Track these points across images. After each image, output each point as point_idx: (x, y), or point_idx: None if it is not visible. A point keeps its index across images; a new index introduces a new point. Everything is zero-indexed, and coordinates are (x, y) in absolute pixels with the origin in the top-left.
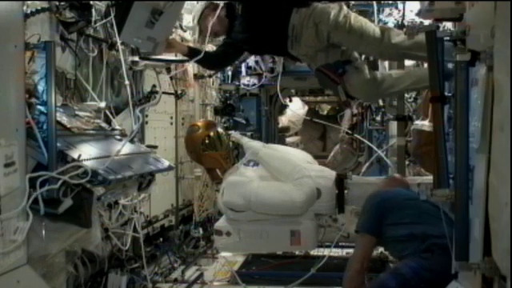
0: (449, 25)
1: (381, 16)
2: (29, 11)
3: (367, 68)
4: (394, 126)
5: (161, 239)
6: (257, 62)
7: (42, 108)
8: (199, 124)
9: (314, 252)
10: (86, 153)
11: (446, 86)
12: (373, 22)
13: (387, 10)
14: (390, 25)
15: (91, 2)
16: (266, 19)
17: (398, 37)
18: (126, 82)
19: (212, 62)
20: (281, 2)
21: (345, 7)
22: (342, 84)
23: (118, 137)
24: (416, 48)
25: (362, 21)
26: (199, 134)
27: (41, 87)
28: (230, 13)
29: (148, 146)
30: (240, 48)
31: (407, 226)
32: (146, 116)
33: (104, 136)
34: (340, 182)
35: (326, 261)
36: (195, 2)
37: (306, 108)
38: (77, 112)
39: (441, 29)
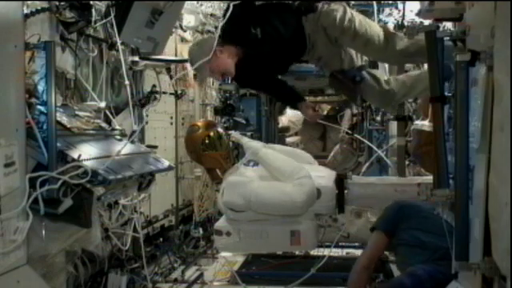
0: (449, 25)
1: (381, 16)
2: (29, 11)
3: (383, 75)
4: (394, 126)
5: (161, 239)
6: None
7: (42, 108)
8: (199, 124)
9: (314, 252)
10: (86, 153)
11: (446, 86)
12: (373, 21)
13: (387, 10)
14: (390, 25)
15: (91, 2)
16: (289, 34)
17: (402, 42)
18: (126, 82)
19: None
20: (288, 15)
21: (348, 8)
22: (360, 93)
23: (118, 137)
24: (421, 54)
25: (367, 25)
26: (199, 134)
27: (41, 87)
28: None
29: (148, 146)
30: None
31: (421, 232)
32: (146, 116)
33: (104, 136)
34: (340, 181)
35: (326, 261)
36: (195, 2)
37: None
38: (77, 112)
39: (441, 29)
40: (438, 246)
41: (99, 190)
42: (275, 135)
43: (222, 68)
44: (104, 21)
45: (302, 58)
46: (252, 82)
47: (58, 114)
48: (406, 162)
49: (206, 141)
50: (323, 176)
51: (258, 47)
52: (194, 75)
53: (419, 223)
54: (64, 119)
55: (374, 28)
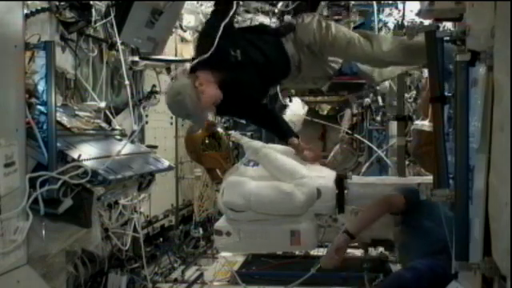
0: (449, 25)
1: (381, 16)
2: (29, 11)
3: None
4: (394, 126)
5: (161, 239)
6: None
7: (42, 108)
8: None
9: (314, 252)
10: (86, 153)
11: (446, 85)
12: (373, 21)
13: (387, 10)
14: (390, 25)
15: (91, 2)
16: (271, 56)
17: (386, 42)
18: (126, 82)
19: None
20: (269, 37)
21: (320, 17)
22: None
23: (118, 137)
24: (409, 54)
25: (344, 29)
26: (199, 134)
27: (41, 87)
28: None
29: (148, 146)
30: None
31: (428, 222)
32: (146, 116)
33: (104, 136)
34: (340, 181)
35: None
36: (195, 2)
37: (306, 108)
38: (77, 112)
39: (441, 29)
40: (440, 238)
41: (99, 190)
42: None
43: (213, 97)
44: (104, 21)
45: (283, 80)
46: (233, 109)
47: (58, 114)
48: (406, 162)
49: (206, 141)
50: (323, 176)
51: (239, 70)
52: None
53: (427, 212)
54: (64, 119)
55: (351, 32)
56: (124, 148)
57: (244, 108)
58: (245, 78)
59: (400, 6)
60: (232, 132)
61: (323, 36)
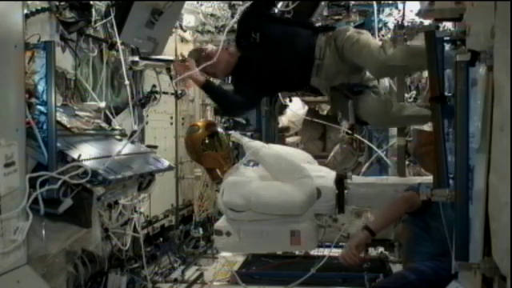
0: (449, 25)
1: (381, 16)
2: (29, 11)
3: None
4: None
5: (161, 239)
6: None
7: (42, 108)
8: (199, 124)
9: (314, 252)
10: (86, 153)
11: (446, 84)
12: (373, 21)
13: (387, 10)
14: (390, 25)
15: (91, 2)
16: (292, 43)
17: (391, 48)
18: (126, 82)
19: (235, 107)
20: (306, 28)
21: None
22: (354, 101)
23: (118, 137)
24: (410, 56)
25: (371, 38)
26: (199, 134)
27: (41, 87)
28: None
29: (148, 146)
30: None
31: (435, 223)
32: (146, 116)
33: (104, 136)
34: (340, 181)
35: (326, 261)
36: (195, 2)
37: (306, 108)
38: (77, 112)
39: (441, 29)
40: (446, 240)
41: (99, 190)
42: (275, 135)
43: (224, 61)
44: (104, 21)
45: (309, 76)
46: (244, 80)
47: (57, 114)
48: (406, 162)
49: (206, 141)
50: (323, 176)
51: (254, 52)
52: None
53: (434, 212)
54: (64, 119)
55: (377, 42)
56: (124, 148)
57: (250, 84)
58: (258, 58)
59: (400, 6)
60: (232, 132)
61: (350, 36)
